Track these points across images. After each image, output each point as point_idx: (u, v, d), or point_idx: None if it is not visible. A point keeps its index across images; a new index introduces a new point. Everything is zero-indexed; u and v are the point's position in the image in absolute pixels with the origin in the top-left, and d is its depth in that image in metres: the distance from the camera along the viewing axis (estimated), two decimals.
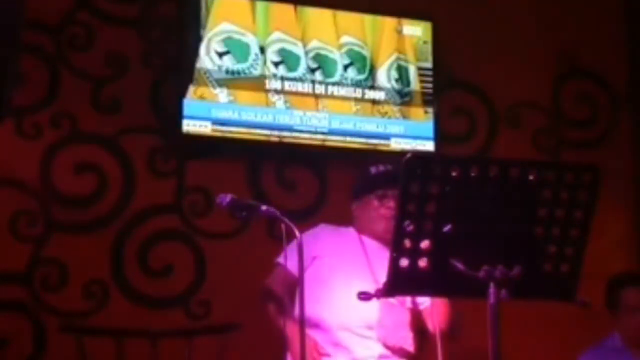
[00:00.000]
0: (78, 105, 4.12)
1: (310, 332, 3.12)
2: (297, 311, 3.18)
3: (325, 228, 3.37)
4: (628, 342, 3.85)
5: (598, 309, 2.63)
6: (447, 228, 2.17)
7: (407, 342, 3.25)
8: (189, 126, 4.12)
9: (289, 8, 4.38)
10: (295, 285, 3.17)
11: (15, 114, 3.95)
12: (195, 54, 4.18)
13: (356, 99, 4.42)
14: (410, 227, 2.16)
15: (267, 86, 4.29)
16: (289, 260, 2.96)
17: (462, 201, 2.17)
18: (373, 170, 3.32)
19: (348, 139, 4.36)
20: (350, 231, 3.34)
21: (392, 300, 3.18)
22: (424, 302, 3.27)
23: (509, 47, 4.77)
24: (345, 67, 4.43)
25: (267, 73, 4.30)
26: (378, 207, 3.25)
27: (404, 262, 2.18)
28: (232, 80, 4.23)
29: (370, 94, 4.44)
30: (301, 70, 4.36)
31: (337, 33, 4.45)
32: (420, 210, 2.15)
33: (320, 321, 3.14)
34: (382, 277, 2.29)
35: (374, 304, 3.13)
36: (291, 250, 2.92)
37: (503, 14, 4.80)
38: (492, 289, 2.15)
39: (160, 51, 4.23)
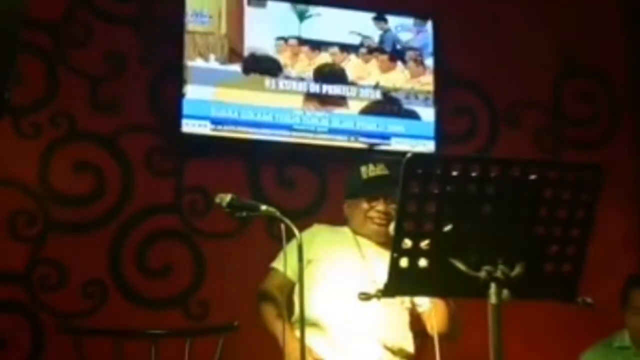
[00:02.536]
0: (76, 105, 4.12)
1: (308, 336, 3.11)
2: (295, 315, 3.17)
3: (320, 229, 3.36)
4: (635, 342, 3.86)
5: (600, 309, 2.61)
6: (447, 228, 2.16)
7: (407, 343, 3.24)
8: (188, 126, 4.11)
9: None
10: (292, 289, 3.16)
11: (14, 114, 3.95)
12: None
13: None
14: (410, 227, 2.14)
15: (268, 86, 4.28)
16: (287, 263, 2.93)
17: (462, 201, 2.15)
18: (364, 173, 3.30)
19: (348, 138, 4.35)
20: (346, 231, 3.33)
21: (391, 301, 3.16)
22: (423, 304, 3.26)
23: (510, 46, 4.76)
24: None
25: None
26: (367, 209, 3.25)
27: (404, 262, 2.17)
28: (233, 80, 4.22)
29: (371, 94, 4.44)
30: None
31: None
32: (420, 210, 2.14)
33: (319, 324, 3.13)
34: (379, 277, 2.28)
35: (374, 305, 3.12)
36: (289, 252, 2.90)
37: (504, 13, 4.79)
38: (493, 289, 2.13)
39: (160, 50, 4.22)
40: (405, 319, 3.26)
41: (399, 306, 3.25)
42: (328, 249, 3.26)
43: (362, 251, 3.25)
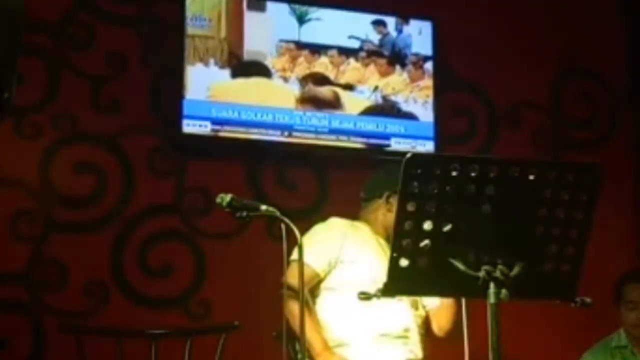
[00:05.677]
0: (78, 105, 4.12)
1: (343, 341, 3.12)
2: (320, 310, 3.18)
3: (342, 223, 3.33)
4: (631, 338, 3.89)
5: (598, 309, 2.63)
6: (446, 228, 2.17)
7: (420, 351, 3.25)
8: (189, 126, 4.12)
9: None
10: (317, 283, 3.17)
11: (15, 114, 3.95)
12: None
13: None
14: (410, 227, 2.16)
15: (267, 89, 4.29)
16: (310, 256, 2.93)
17: (462, 201, 2.16)
18: (384, 173, 3.31)
19: (348, 138, 4.36)
20: (366, 228, 3.33)
21: (405, 303, 3.18)
22: (429, 303, 3.27)
23: (509, 47, 4.77)
24: None
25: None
26: (385, 211, 3.25)
27: (404, 262, 2.18)
28: (232, 83, 4.24)
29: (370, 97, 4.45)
30: None
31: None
32: (420, 210, 2.15)
33: (355, 330, 3.15)
34: None
35: (401, 309, 3.15)
36: (321, 246, 2.91)
37: (503, 14, 4.80)
38: (492, 288, 2.14)
39: (160, 51, 4.23)
40: (419, 321, 3.27)
41: (420, 310, 3.27)
42: (358, 248, 3.25)
43: (383, 249, 3.25)
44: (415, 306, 3.25)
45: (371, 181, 3.40)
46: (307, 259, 2.80)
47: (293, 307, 2.94)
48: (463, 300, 2.92)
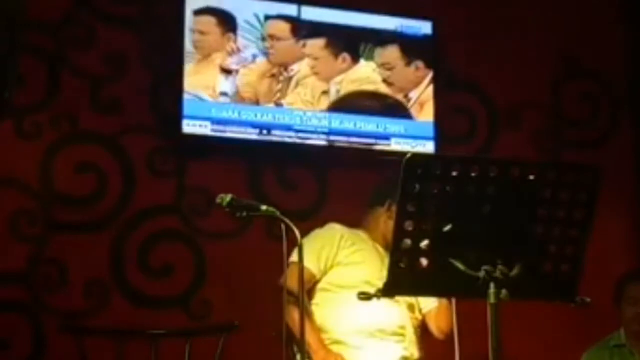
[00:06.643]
0: (78, 105, 4.12)
1: (339, 339, 3.13)
2: (316, 309, 3.19)
3: (339, 230, 3.34)
4: (630, 335, 3.90)
5: (599, 309, 2.63)
6: (446, 228, 2.17)
7: (417, 351, 3.25)
8: (189, 126, 4.12)
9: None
10: (314, 282, 3.18)
11: (15, 114, 3.95)
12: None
13: None
14: (410, 227, 2.16)
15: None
16: (307, 257, 2.93)
17: (462, 201, 2.16)
18: (386, 181, 3.32)
19: (348, 139, 4.36)
20: (364, 235, 3.34)
21: (401, 303, 3.19)
22: (427, 304, 3.28)
23: (509, 47, 4.77)
24: None
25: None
26: (386, 219, 3.26)
27: (404, 262, 2.18)
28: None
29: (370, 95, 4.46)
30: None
31: None
32: (420, 210, 2.15)
33: (351, 329, 3.16)
34: None
35: (397, 309, 3.15)
36: (317, 248, 2.91)
37: (503, 13, 4.80)
38: (492, 288, 2.14)
39: (160, 51, 4.23)
40: (416, 322, 3.28)
41: (416, 312, 3.27)
42: (355, 253, 3.26)
43: (380, 255, 3.26)
44: (411, 309, 3.25)
45: (374, 190, 3.42)
46: (304, 261, 2.81)
47: (292, 312, 2.95)
48: (454, 301, 2.94)
